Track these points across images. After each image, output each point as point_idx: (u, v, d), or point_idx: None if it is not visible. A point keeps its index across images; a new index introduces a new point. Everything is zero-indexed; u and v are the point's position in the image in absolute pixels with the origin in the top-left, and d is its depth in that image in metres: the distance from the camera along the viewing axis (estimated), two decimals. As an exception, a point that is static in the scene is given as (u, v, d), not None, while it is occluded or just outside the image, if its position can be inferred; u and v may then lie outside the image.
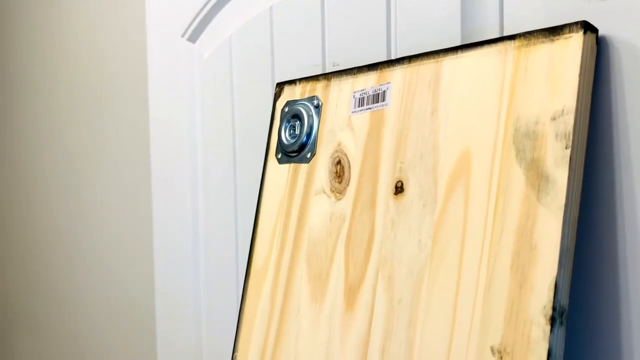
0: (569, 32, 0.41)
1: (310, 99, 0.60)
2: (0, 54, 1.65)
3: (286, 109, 0.63)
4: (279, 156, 0.62)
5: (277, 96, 0.65)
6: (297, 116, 0.61)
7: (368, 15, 0.62)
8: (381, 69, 0.54)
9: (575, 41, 0.41)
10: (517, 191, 0.42)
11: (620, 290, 0.43)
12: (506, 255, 0.42)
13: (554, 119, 0.41)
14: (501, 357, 0.40)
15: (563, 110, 0.40)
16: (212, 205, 0.81)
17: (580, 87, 0.40)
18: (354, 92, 0.56)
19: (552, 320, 0.38)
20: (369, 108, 0.54)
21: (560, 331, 0.39)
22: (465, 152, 0.46)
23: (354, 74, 0.57)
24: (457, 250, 0.45)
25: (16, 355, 1.65)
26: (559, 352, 0.39)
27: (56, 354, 1.45)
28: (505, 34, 0.50)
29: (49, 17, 1.43)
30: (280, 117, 0.63)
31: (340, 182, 0.55)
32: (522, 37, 0.44)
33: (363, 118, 0.55)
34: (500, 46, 0.45)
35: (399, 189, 0.50)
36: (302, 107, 0.61)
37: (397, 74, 0.52)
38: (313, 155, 0.59)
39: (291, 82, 0.64)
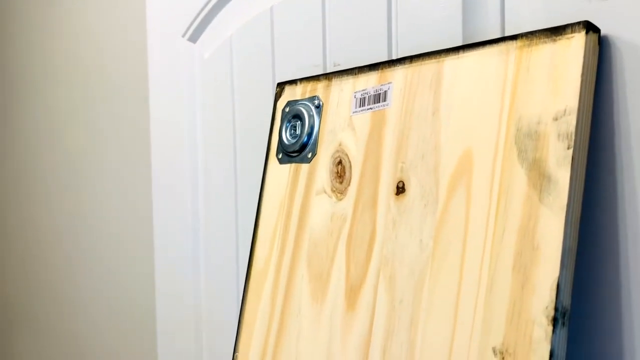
0: (571, 32, 0.41)
1: (311, 99, 0.60)
2: (0, 54, 1.65)
3: (287, 109, 0.63)
4: (280, 156, 0.62)
5: (277, 96, 0.65)
6: (298, 116, 0.61)
7: (369, 16, 0.62)
8: (382, 69, 0.54)
9: (578, 41, 0.41)
10: (519, 191, 0.42)
11: (622, 291, 0.42)
12: (508, 256, 0.41)
13: (556, 119, 0.41)
14: (503, 358, 0.40)
15: (565, 111, 0.40)
16: (212, 205, 0.81)
17: (583, 87, 0.40)
18: (355, 92, 0.56)
19: (554, 321, 0.38)
20: (370, 108, 0.54)
21: (563, 332, 0.39)
22: (467, 152, 0.46)
23: (355, 74, 0.56)
24: (458, 251, 0.44)
25: (16, 355, 1.65)
26: (561, 352, 0.38)
27: (56, 354, 1.45)
28: (507, 34, 0.49)
29: (49, 17, 1.43)
30: (281, 117, 0.63)
31: (341, 182, 0.55)
32: (524, 37, 0.44)
33: (364, 118, 0.55)
34: (502, 46, 0.45)
35: (400, 189, 0.50)
36: (303, 107, 0.61)
37: (398, 74, 0.52)
38: (314, 155, 0.59)
39: (292, 82, 0.64)
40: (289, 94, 0.64)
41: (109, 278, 1.23)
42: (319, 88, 0.60)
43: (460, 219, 0.45)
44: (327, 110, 0.58)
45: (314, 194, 0.58)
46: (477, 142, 0.45)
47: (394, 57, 0.60)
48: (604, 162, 0.43)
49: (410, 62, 0.51)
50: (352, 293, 0.52)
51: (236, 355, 0.61)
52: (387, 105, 0.53)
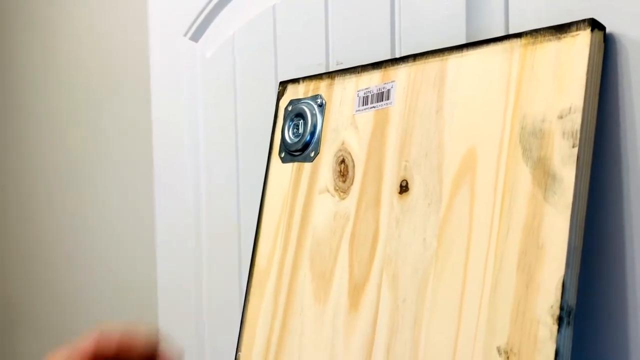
0: (577, 30, 0.41)
1: (314, 97, 0.60)
2: (1, 54, 1.65)
3: (290, 108, 0.63)
4: (283, 155, 0.62)
5: (280, 95, 0.65)
6: (301, 115, 0.61)
7: (372, 14, 0.62)
8: (385, 68, 0.54)
9: (583, 39, 0.40)
10: (523, 190, 0.42)
11: (627, 290, 0.42)
12: (512, 255, 0.41)
13: (561, 117, 0.41)
14: (508, 357, 0.40)
15: (570, 109, 0.40)
16: (214, 205, 0.81)
17: (588, 85, 0.40)
18: (358, 91, 0.56)
19: (560, 320, 0.38)
20: (373, 107, 0.54)
21: (568, 331, 0.38)
22: (471, 151, 0.45)
23: (358, 73, 0.56)
24: (462, 249, 0.44)
25: (18, 355, 1.64)
26: (566, 352, 0.38)
27: (58, 354, 1.45)
28: (511, 32, 0.49)
29: (50, 17, 1.43)
30: (284, 116, 0.63)
31: (344, 181, 0.55)
32: (529, 35, 0.44)
33: (367, 117, 0.54)
34: (506, 44, 0.45)
35: (403, 188, 0.50)
36: (306, 106, 0.60)
37: (401, 72, 0.52)
38: (317, 154, 0.58)
39: (294, 80, 0.64)
40: (292, 92, 0.63)
41: (110, 277, 1.23)
42: (322, 87, 0.60)
43: (464, 217, 0.45)
44: (330, 109, 0.58)
45: (316, 193, 0.57)
46: (481, 140, 0.45)
47: (397, 56, 0.59)
48: (609, 160, 0.43)
49: (414, 60, 0.51)
50: (356, 292, 0.51)
51: (239, 354, 0.61)
52: (390, 103, 0.52)
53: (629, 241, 0.42)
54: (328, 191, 0.56)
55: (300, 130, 0.61)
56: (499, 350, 0.41)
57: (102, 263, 1.26)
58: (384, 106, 0.53)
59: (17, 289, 1.63)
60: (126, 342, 0.48)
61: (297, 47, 0.71)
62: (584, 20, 0.41)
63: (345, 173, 0.55)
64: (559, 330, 0.38)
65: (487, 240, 0.43)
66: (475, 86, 0.46)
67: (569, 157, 0.40)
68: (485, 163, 0.44)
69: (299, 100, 0.62)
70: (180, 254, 0.87)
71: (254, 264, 0.62)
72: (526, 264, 0.40)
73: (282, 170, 0.62)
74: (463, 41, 0.53)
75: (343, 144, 0.56)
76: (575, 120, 0.40)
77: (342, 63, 0.66)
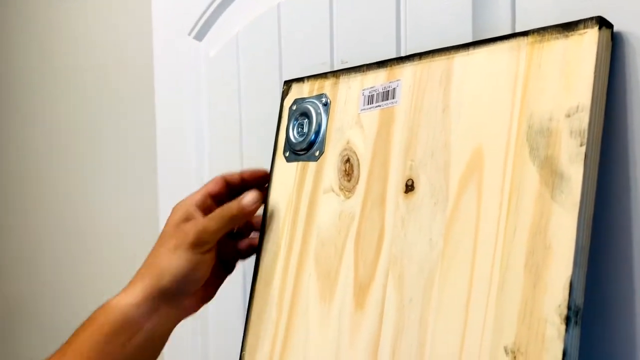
0: (584, 28, 0.41)
1: (319, 96, 0.60)
2: (3, 54, 1.65)
3: (294, 107, 0.63)
4: (287, 154, 0.62)
5: (284, 94, 0.65)
6: (306, 114, 0.61)
7: (377, 12, 0.62)
8: (391, 66, 0.54)
9: (590, 37, 0.40)
10: (530, 189, 0.41)
11: (635, 289, 0.42)
12: (520, 254, 0.41)
13: (568, 115, 0.40)
14: (515, 357, 0.40)
15: (578, 107, 0.40)
16: (218, 204, 0.81)
17: (596, 83, 0.40)
18: (363, 90, 0.56)
19: (567, 320, 0.38)
20: (379, 105, 0.54)
21: (575, 331, 0.38)
22: (478, 150, 0.45)
23: (363, 71, 0.56)
24: (469, 249, 0.44)
25: (19, 354, 1.65)
26: (574, 352, 0.38)
27: (61, 353, 1.45)
28: (517, 30, 0.49)
29: (53, 16, 1.43)
30: (288, 115, 0.63)
31: (349, 181, 0.55)
32: (536, 33, 0.43)
33: (372, 116, 0.54)
34: (512, 42, 0.45)
35: (409, 187, 0.50)
36: (311, 105, 0.60)
37: (407, 71, 0.52)
38: (321, 153, 0.58)
39: (299, 79, 0.63)
40: (296, 91, 0.63)
41: (114, 277, 1.23)
42: (327, 86, 0.60)
43: (470, 217, 0.44)
44: (335, 108, 0.58)
45: (321, 192, 0.57)
46: (487, 139, 0.45)
47: (402, 54, 0.59)
48: (617, 159, 0.42)
49: (420, 59, 0.51)
50: (361, 292, 0.51)
51: (243, 354, 0.61)
52: (396, 102, 0.52)
53: (636, 240, 0.42)
54: (333, 190, 0.56)
55: (305, 130, 0.60)
56: (506, 350, 0.40)
57: (106, 262, 1.26)
58: (390, 105, 0.53)
59: (19, 288, 1.63)
60: (246, 171, 0.62)
61: (301, 46, 0.71)
62: (591, 18, 0.40)
63: (350, 172, 0.55)
64: (566, 330, 0.38)
65: (494, 239, 0.43)
66: (481, 85, 0.46)
67: (576, 156, 0.39)
68: (492, 162, 0.44)
69: (303, 99, 0.62)
70: (184, 253, 0.87)
71: (259, 263, 0.62)
72: (533, 264, 0.40)
73: (286, 170, 0.62)
74: (469, 40, 0.52)
75: (348, 143, 0.56)
76: (583, 119, 0.40)
77: (347, 62, 0.65)
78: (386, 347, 0.48)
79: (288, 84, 0.65)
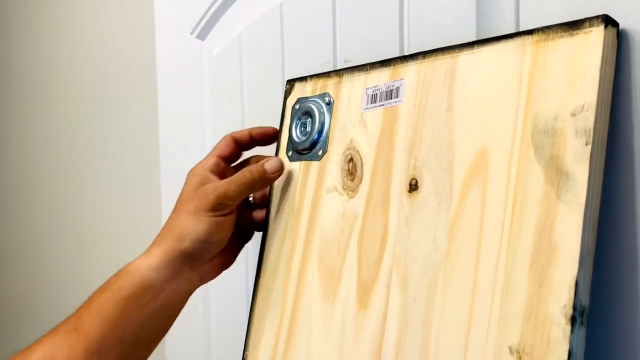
0: (589, 27, 0.40)
1: (322, 95, 0.60)
2: (5, 53, 1.65)
3: (297, 106, 0.62)
4: (290, 154, 0.62)
5: (287, 93, 0.64)
6: (309, 113, 0.61)
7: (380, 11, 0.62)
8: (394, 65, 0.53)
9: (596, 35, 0.40)
10: (535, 189, 0.41)
11: (640, 290, 0.42)
12: (525, 254, 0.41)
13: (573, 115, 0.40)
14: (520, 357, 0.40)
15: (583, 106, 0.40)
16: (221, 204, 0.81)
17: (601, 82, 0.39)
18: (367, 89, 0.55)
19: (573, 320, 0.37)
20: (382, 105, 0.54)
21: (581, 331, 0.38)
22: (482, 150, 0.45)
23: (367, 70, 0.56)
24: (473, 249, 0.44)
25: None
26: (580, 352, 0.38)
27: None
28: (522, 29, 0.49)
29: (55, 15, 1.42)
30: (291, 114, 0.63)
31: (352, 180, 0.55)
32: (541, 32, 0.43)
33: (376, 115, 0.54)
34: (517, 41, 0.45)
35: (413, 187, 0.49)
36: (314, 104, 0.60)
37: (411, 69, 0.52)
38: (324, 152, 0.58)
39: (302, 78, 0.63)
40: (299, 90, 0.63)
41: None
42: (330, 85, 0.59)
43: (475, 217, 0.44)
44: (338, 107, 0.58)
45: (324, 192, 0.57)
46: (492, 139, 0.44)
47: (405, 53, 0.59)
48: (622, 159, 0.42)
49: (424, 57, 0.51)
50: (364, 292, 0.51)
51: (246, 354, 0.61)
52: (400, 101, 0.52)
53: (642, 240, 0.42)
54: (336, 190, 0.56)
55: (308, 129, 0.60)
56: (510, 350, 0.40)
57: (108, 262, 1.26)
58: (393, 104, 0.52)
59: (20, 287, 1.63)
60: (255, 129, 0.62)
61: (304, 45, 0.71)
62: (597, 17, 0.40)
63: (353, 172, 0.55)
64: (572, 330, 0.37)
65: (499, 239, 0.42)
66: (486, 84, 0.46)
67: (582, 155, 0.39)
68: (496, 161, 0.44)
69: (306, 98, 0.62)
70: (186, 252, 0.86)
71: (262, 263, 0.62)
72: (539, 264, 0.40)
73: (289, 169, 0.61)
74: (473, 38, 0.52)
75: (351, 142, 0.56)
76: (589, 118, 0.39)
77: (349, 61, 0.65)
78: (390, 347, 0.48)
79: (291, 83, 0.64)
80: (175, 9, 0.91)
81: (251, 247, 0.76)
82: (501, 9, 0.51)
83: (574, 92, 0.40)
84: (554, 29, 0.42)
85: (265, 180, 0.58)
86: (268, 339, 0.58)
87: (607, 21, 0.40)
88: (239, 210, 0.59)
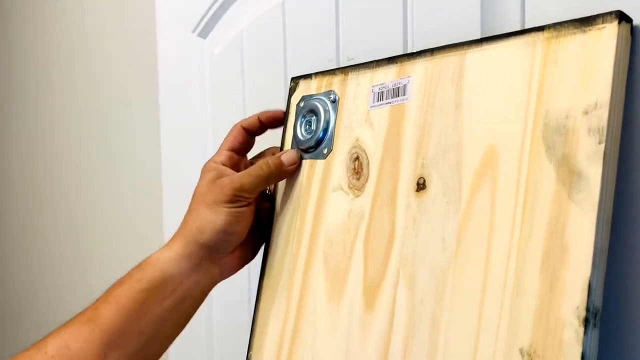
0: (602, 23, 0.40)
1: (327, 93, 0.59)
2: (6, 53, 1.64)
3: (302, 104, 0.62)
4: (294, 152, 0.61)
5: (292, 91, 0.64)
6: (313, 111, 0.60)
7: (384, 9, 0.61)
8: (401, 62, 0.53)
9: (609, 32, 0.39)
10: (547, 188, 0.40)
11: (654, 291, 0.41)
12: (536, 255, 0.40)
13: (586, 113, 0.39)
14: (531, 359, 0.39)
15: (596, 104, 0.39)
16: (223, 203, 0.80)
17: (615, 79, 0.39)
18: (373, 86, 0.55)
19: (586, 322, 0.37)
20: (389, 102, 0.53)
21: (594, 333, 0.37)
22: (492, 148, 0.44)
23: (373, 68, 0.55)
24: (483, 250, 0.43)
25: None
26: (593, 354, 0.37)
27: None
28: (527, 26, 0.48)
29: (55, 15, 1.42)
30: (296, 113, 0.62)
31: (358, 179, 0.54)
32: (552, 28, 0.42)
33: (382, 113, 0.53)
34: (527, 38, 0.44)
35: (420, 186, 0.49)
36: (319, 102, 0.59)
37: (418, 67, 0.51)
38: (330, 151, 0.57)
39: (306, 76, 0.62)
40: (304, 88, 0.62)
41: (115, 277, 1.22)
42: (335, 82, 0.59)
43: (485, 216, 0.43)
44: (344, 105, 0.57)
45: (330, 191, 0.56)
46: (502, 137, 0.44)
47: (409, 51, 0.58)
48: (636, 157, 0.41)
49: (431, 54, 0.50)
50: (371, 292, 0.50)
51: (250, 354, 0.60)
52: (407, 99, 0.51)
53: (656, 241, 0.41)
54: (342, 189, 0.55)
55: (313, 127, 0.59)
56: (521, 352, 0.40)
57: (109, 262, 1.26)
58: (400, 102, 0.52)
59: (21, 287, 1.62)
60: (263, 114, 0.61)
61: (306, 43, 0.70)
62: (610, 13, 0.39)
63: (359, 170, 0.54)
64: (585, 332, 0.37)
65: (509, 240, 0.42)
66: (495, 81, 0.45)
67: (594, 154, 0.38)
68: (506, 160, 0.43)
69: (311, 96, 0.61)
70: (188, 252, 0.86)
71: (266, 262, 0.61)
72: (550, 265, 0.39)
73: (293, 168, 0.61)
74: (478, 35, 0.51)
75: (357, 140, 0.55)
76: (602, 116, 0.39)
77: (353, 59, 0.64)
78: (397, 348, 0.47)
79: (295, 80, 0.64)
80: (176, 7, 0.90)
81: (254, 247, 0.76)
82: (506, 6, 0.50)
83: (586, 90, 0.40)
84: (565, 25, 0.42)
85: (282, 172, 0.58)
86: (273, 338, 0.58)
87: (621, 17, 0.39)
88: (258, 202, 0.59)
